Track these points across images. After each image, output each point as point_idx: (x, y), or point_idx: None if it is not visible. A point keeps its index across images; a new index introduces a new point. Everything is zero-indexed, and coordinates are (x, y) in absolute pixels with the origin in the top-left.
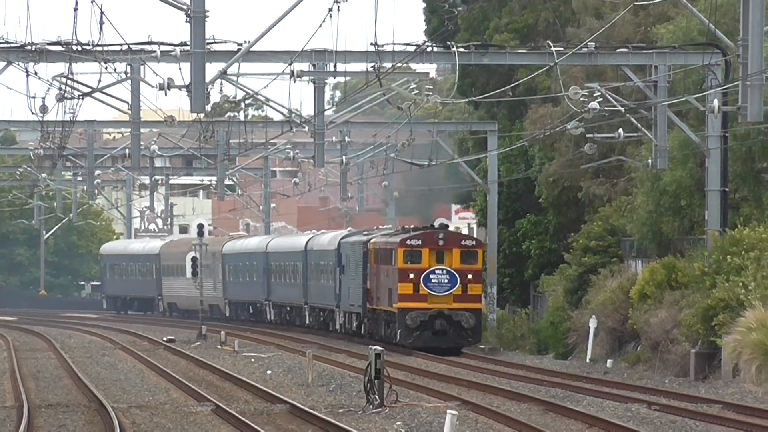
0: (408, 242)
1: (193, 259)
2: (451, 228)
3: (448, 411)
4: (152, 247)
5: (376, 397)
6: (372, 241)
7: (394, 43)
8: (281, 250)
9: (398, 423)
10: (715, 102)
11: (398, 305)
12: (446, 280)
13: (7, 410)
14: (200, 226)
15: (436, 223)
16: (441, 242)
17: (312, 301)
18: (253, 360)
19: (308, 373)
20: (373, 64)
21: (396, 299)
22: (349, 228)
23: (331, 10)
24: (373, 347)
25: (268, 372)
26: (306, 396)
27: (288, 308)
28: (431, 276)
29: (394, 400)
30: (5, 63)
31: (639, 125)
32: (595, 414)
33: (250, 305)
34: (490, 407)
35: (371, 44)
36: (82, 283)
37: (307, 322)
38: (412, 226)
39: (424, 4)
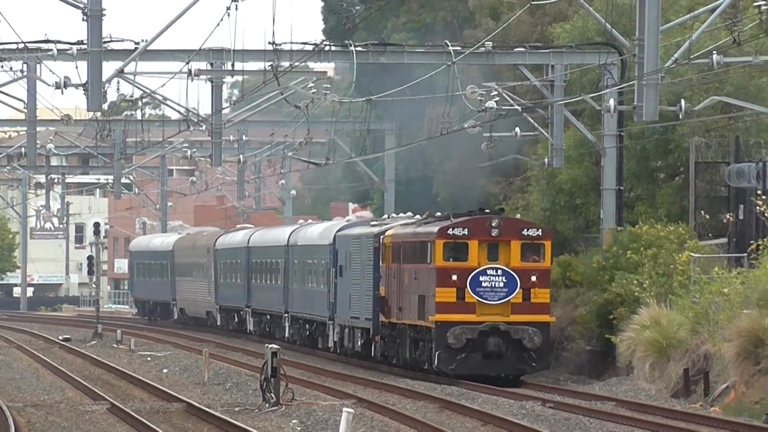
0: (450, 232)
1: (89, 258)
2: None
3: (344, 409)
4: (167, 242)
5: (272, 395)
6: (389, 233)
7: (291, 42)
8: (262, 245)
9: (294, 421)
10: (611, 101)
11: (436, 318)
12: (502, 284)
13: None
14: (96, 225)
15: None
16: (495, 232)
17: (294, 309)
18: (149, 359)
19: (204, 372)
20: (270, 63)
21: (433, 310)
22: (348, 218)
23: (228, 9)
24: (270, 345)
25: (164, 370)
26: (202, 394)
27: (268, 317)
28: (482, 278)
29: (290, 399)
30: None
31: (536, 124)
32: (490, 411)
33: (235, 313)
34: (386, 405)
35: (269, 43)
36: None
37: (286, 335)
38: (439, 213)
39: (323, 3)
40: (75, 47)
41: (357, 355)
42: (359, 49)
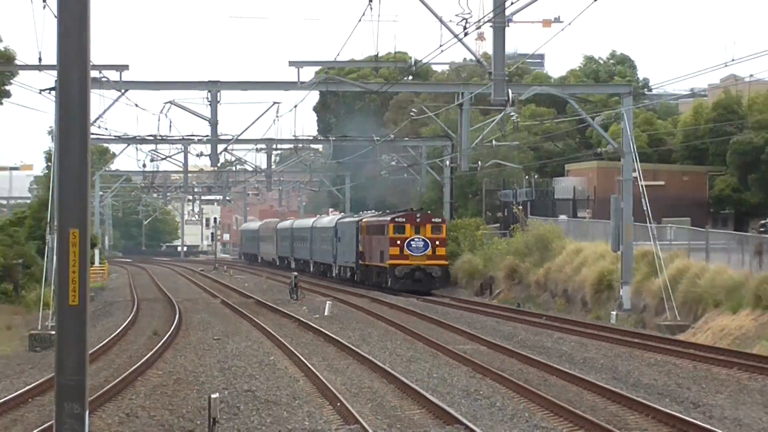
0: (396, 219)
1: (212, 234)
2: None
3: (327, 301)
4: (255, 226)
5: (295, 295)
6: (363, 220)
7: (303, 135)
8: (299, 226)
9: (305, 307)
10: (448, 162)
11: (389, 262)
12: (422, 245)
13: (128, 301)
14: (215, 219)
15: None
16: (418, 220)
17: (316, 258)
18: (239, 279)
19: (263, 285)
20: (294, 145)
21: (388, 258)
22: (342, 212)
23: (274, 121)
24: (294, 273)
25: (246, 284)
26: (263, 295)
27: (302, 261)
28: (411, 242)
29: (303, 297)
30: (126, 145)
31: (413, 172)
32: (394, 303)
33: (285, 258)
34: (346, 300)
35: (293, 135)
36: (161, 244)
37: (311, 270)
38: (388, 211)
39: (317, 117)
40: (205, 137)
41: (347, 281)
42: (333, 138)
